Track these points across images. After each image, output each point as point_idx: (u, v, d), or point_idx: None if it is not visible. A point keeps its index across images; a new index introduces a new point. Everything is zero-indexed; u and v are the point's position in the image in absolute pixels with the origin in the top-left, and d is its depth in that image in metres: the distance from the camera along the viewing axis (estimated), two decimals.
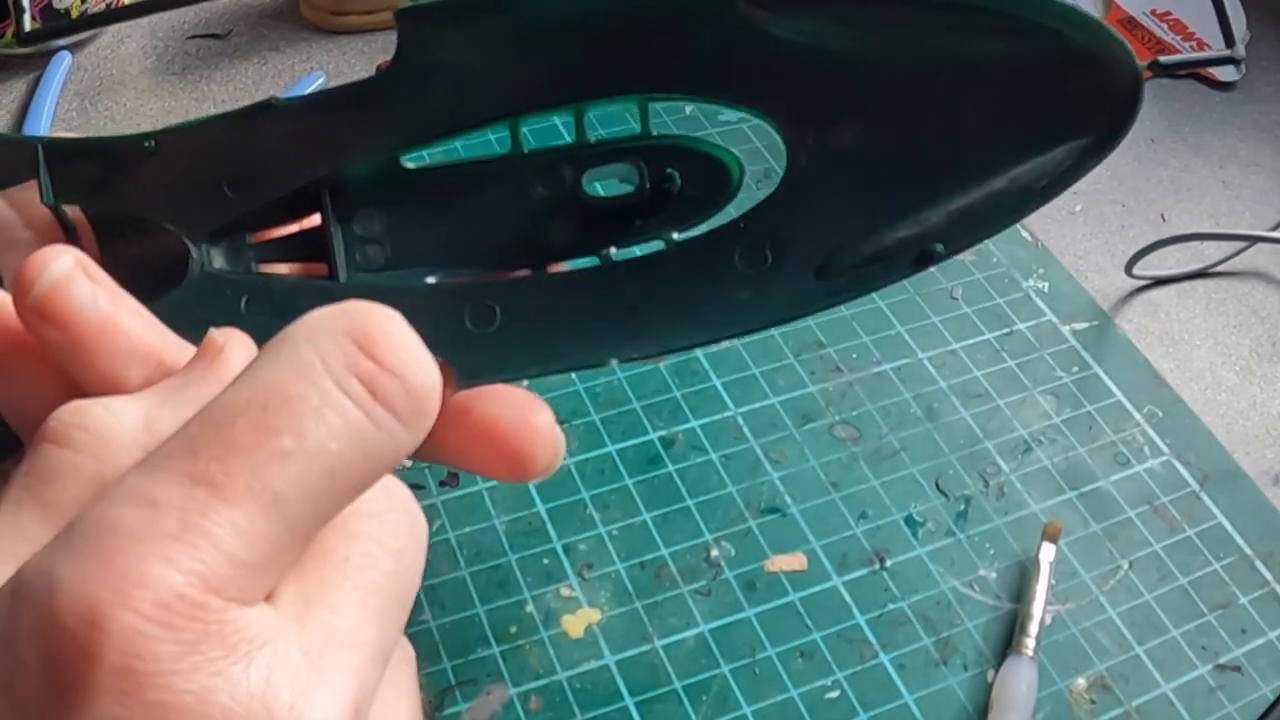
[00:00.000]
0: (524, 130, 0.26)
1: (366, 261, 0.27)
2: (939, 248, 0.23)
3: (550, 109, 0.26)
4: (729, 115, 0.62)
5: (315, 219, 0.26)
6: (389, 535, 0.20)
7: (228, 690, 0.17)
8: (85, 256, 0.21)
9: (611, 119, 0.24)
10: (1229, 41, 0.36)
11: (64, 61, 0.62)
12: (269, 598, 0.19)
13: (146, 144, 0.25)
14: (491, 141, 0.26)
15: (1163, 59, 0.29)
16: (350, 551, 0.19)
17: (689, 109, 0.62)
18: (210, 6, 0.68)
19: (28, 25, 0.59)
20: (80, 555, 0.17)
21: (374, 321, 0.19)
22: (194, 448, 0.18)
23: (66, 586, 0.17)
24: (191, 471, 0.18)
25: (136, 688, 0.16)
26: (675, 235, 0.26)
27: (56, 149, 0.25)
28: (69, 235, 0.25)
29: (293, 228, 0.26)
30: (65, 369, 0.22)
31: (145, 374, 0.21)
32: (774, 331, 0.51)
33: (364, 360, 0.18)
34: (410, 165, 0.26)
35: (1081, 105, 0.24)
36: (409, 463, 0.45)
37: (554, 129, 0.29)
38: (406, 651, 0.22)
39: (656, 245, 0.26)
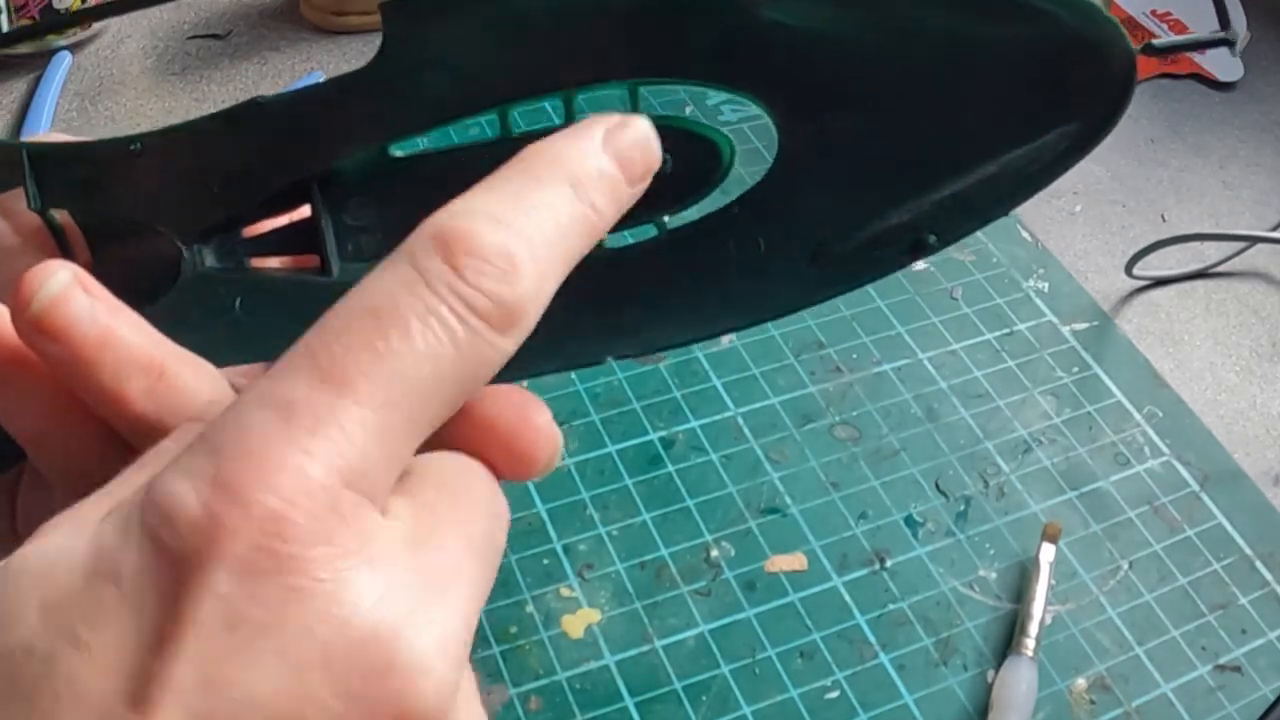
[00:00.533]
0: (514, 114, 0.26)
1: (360, 251, 0.26)
2: (931, 238, 0.23)
3: (539, 96, 0.26)
4: (728, 115, 0.62)
5: (306, 210, 0.26)
6: (481, 497, 0.21)
7: (357, 588, 0.17)
8: (82, 271, 0.21)
9: (601, 104, 0.24)
10: (1223, 24, 0.35)
11: (64, 61, 0.62)
12: (384, 512, 0.19)
13: (132, 146, 0.25)
14: (482, 125, 0.26)
15: (1156, 42, 0.29)
16: (454, 501, 0.20)
17: (688, 108, 0.62)
18: (210, 6, 0.68)
19: (5, 26, 0.59)
20: (216, 452, 0.17)
21: (454, 231, 0.20)
22: (314, 352, 0.18)
23: (202, 473, 0.17)
24: (317, 372, 0.18)
25: (274, 569, 0.17)
26: (666, 219, 0.26)
27: (42, 153, 0.25)
28: (59, 240, 0.25)
29: (282, 220, 0.26)
30: (66, 382, 0.22)
31: (147, 384, 0.22)
32: (774, 331, 0.51)
33: (454, 277, 0.19)
34: (399, 154, 0.26)
35: (1076, 89, 0.23)
36: None
37: (544, 112, 0.28)
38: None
39: (648, 231, 0.26)
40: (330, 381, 0.18)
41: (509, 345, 0.20)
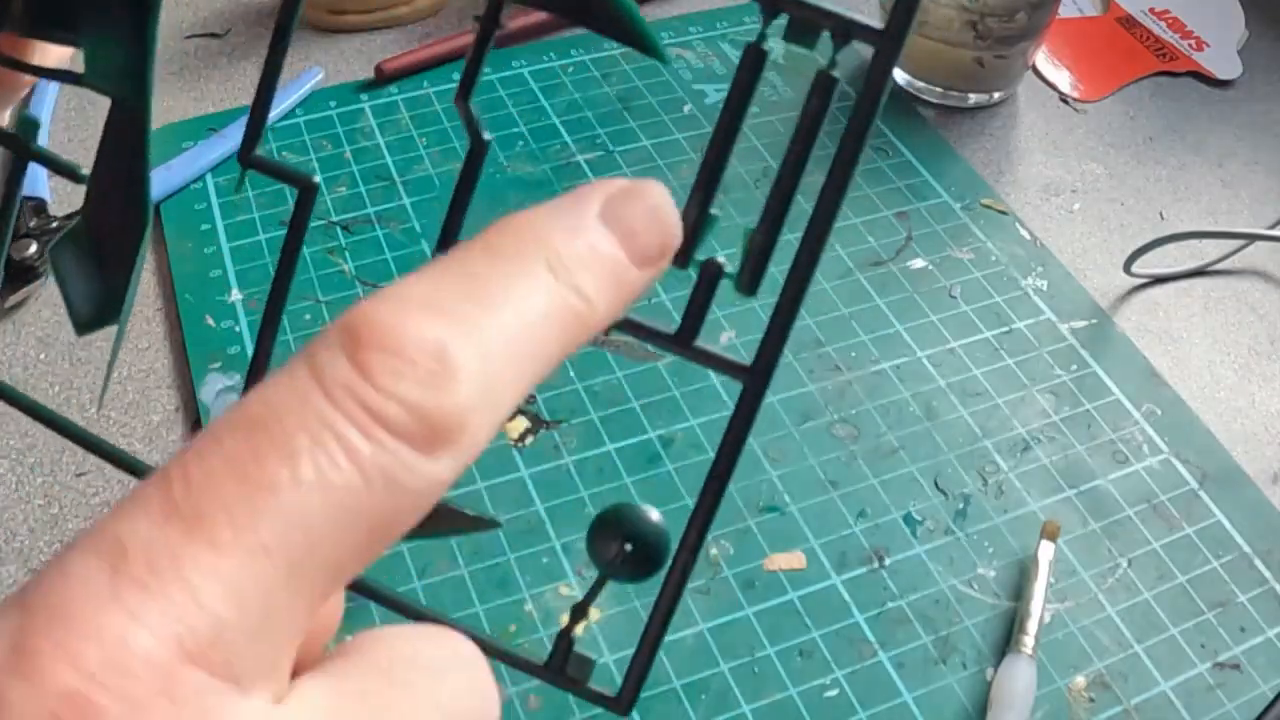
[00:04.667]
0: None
1: None
2: None
3: None
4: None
5: None
6: (447, 694, 0.16)
7: None
8: None
9: None
10: None
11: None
12: (277, 699, 0.15)
13: None
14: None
15: None
16: (408, 689, 0.15)
17: (686, 107, 0.62)
18: (208, 5, 0.68)
19: None
20: (24, 608, 0.13)
21: (366, 321, 0.15)
22: (169, 477, 0.14)
23: (3, 632, 0.13)
24: (165, 504, 0.14)
25: None
26: None
27: None
28: None
29: None
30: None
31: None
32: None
33: (356, 378, 0.15)
34: None
35: None
36: None
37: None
38: None
39: None
40: (179, 518, 0.14)
41: (440, 471, 0.15)
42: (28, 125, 0.24)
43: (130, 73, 0.22)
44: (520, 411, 0.48)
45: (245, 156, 0.21)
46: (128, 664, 0.13)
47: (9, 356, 0.49)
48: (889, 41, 0.18)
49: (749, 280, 0.20)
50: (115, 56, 0.22)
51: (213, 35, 0.66)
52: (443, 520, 0.23)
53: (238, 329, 0.50)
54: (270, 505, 0.14)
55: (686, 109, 0.62)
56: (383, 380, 0.15)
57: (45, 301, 0.52)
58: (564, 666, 0.23)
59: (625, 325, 0.20)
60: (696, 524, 0.21)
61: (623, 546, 0.21)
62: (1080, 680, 0.41)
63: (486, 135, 0.20)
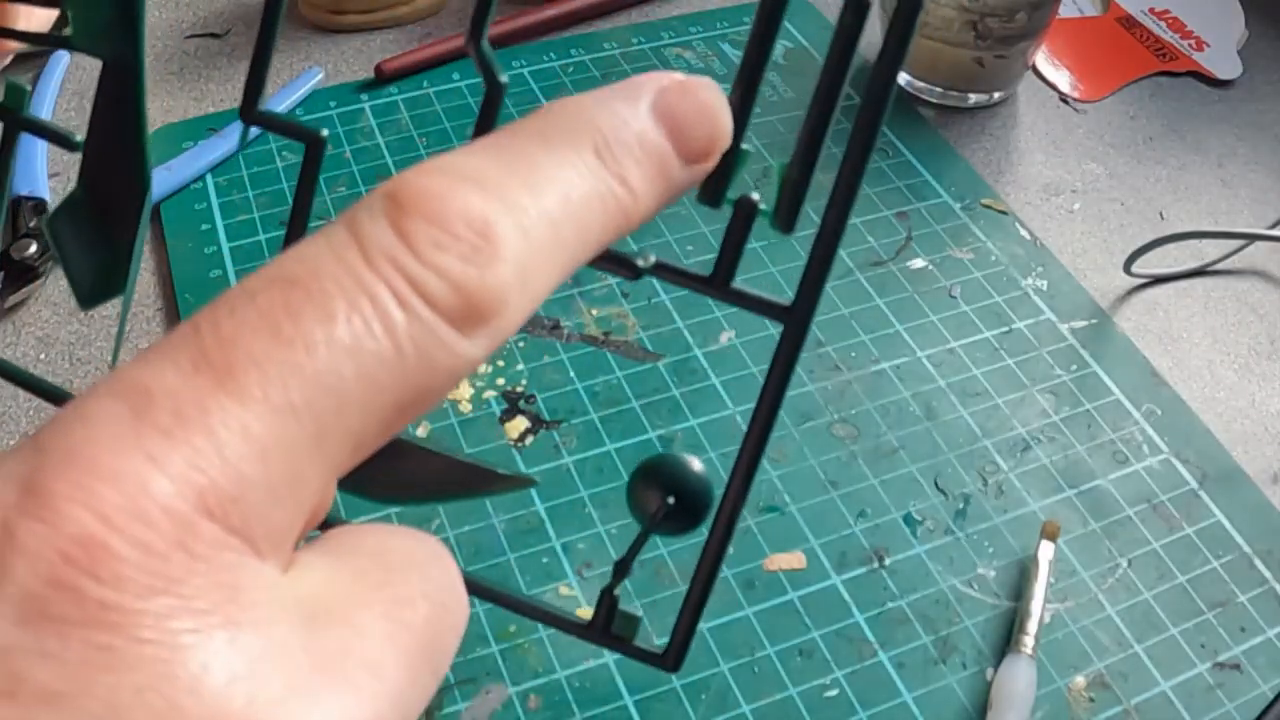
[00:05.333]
0: None
1: None
2: None
3: None
4: None
5: None
6: (431, 585, 0.15)
7: (202, 659, 0.12)
8: None
9: None
10: None
11: (63, 60, 0.62)
12: (284, 566, 0.14)
13: None
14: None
15: None
16: (392, 576, 0.15)
17: None
18: (208, 5, 0.68)
19: None
20: (38, 448, 0.13)
21: (412, 189, 0.14)
22: (199, 327, 0.13)
23: (14, 474, 0.12)
24: (194, 353, 0.13)
25: (77, 616, 0.12)
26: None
27: None
28: None
29: None
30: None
31: None
32: (772, 331, 0.51)
33: (397, 244, 0.14)
34: None
35: None
36: None
37: None
38: None
39: None
40: (209, 368, 0.13)
41: (473, 351, 0.15)
42: (17, 92, 0.24)
43: (119, 28, 0.22)
44: (520, 411, 0.48)
45: (248, 113, 0.21)
46: (146, 510, 0.12)
47: (9, 356, 0.49)
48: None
49: (785, 216, 0.19)
50: (102, 11, 0.22)
51: (213, 35, 0.66)
52: (480, 480, 0.23)
53: None
54: (303, 365, 0.13)
55: None
56: (424, 250, 0.14)
57: (45, 301, 0.52)
58: (608, 626, 0.22)
59: (659, 269, 0.20)
60: (740, 474, 0.20)
61: (665, 500, 0.21)
62: (1080, 680, 0.41)
63: (503, 78, 0.19)
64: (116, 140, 0.23)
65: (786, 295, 0.20)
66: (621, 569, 0.22)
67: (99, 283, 0.25)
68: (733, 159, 0.19)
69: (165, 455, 0.12)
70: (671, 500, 0.21)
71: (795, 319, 0.20)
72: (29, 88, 0.24)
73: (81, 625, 0.12)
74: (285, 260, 0.14)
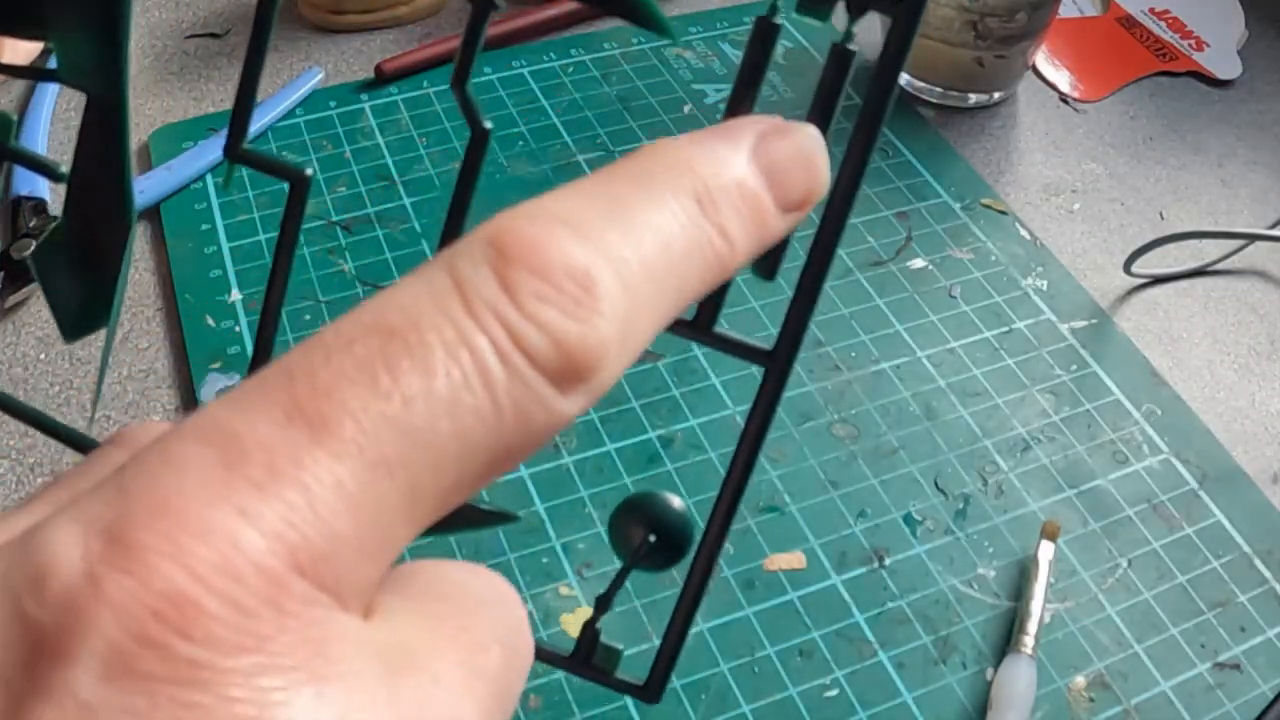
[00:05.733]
0: None
1: None
2: None
3: None
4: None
5: None
6: (502, 628, 0.15)
7: (289, 717, 0.12)
8: None
9: None
10: None
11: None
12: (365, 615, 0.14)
13: None
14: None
15: None
16: (466, 621, 0.15)
17: (686, 107, 0.62)
18: (208, 6, 0.68)
19: None
20: (125, 493, 0.12)
21: (516, 236, 0.14)
22: (292, 373, 0.13)
23: (98, 520, 0.12)
24: (287, 402, 0.13)
25: (164, 674, 0.11)
26: None
27: None
28: None
29: None
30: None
31: None
32: (773, 330, 0.51)
33: (500, 295, 0.14)
34: None
35: None
36: None
37: None
38: None
39: None
40: (303, 420, 0.13)
41: (569, 409, 0.14)
42: (3, 123, 0.24)
43: (104, 68, 0.22)
44: None
45: (233, 151, 0.21)
46: (238, 567, 0.12)
47: (9, 356, 0.49)
48: (906, 11, 0.17)
49: (769, 265, 0.19)
50: (87, 52, 0.22)
51: (213, 35, 0.66)
52: (461, 516, 0.22)
53: (238, 329, 0.50)
54: (400, 419, 0.13)
55: (686, 109, 0.62)
56: (528, 303, 0.14)
57: (45, 301, 0.52)
58: (590, 657, 0.22)
59: None
60: (722, 509, 0.20)
61: (647, 536, 0.21)
62: (1080, 680, 0.41)
63: (487, 124, 0.19)
64: (101, 173, 0.23)
65: (775, 312, 0.20)
66: (602, 604, 0.22)
67: (83, 315, 0.25)
68: None
69: (257, 510, 0.12)
70: (653, 538, 0.21)
71: (776, 364, 0.20)
72: (14, 118, 0.24)
73: (170, 683, 0.11)
74: (384, 305, 0.14)
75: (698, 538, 0.21)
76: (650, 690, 0.22)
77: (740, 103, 0.19)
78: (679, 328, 0.20)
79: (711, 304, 0.20)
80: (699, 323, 0.20)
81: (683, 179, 0.16)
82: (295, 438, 0.13)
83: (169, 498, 0.12)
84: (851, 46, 0.18)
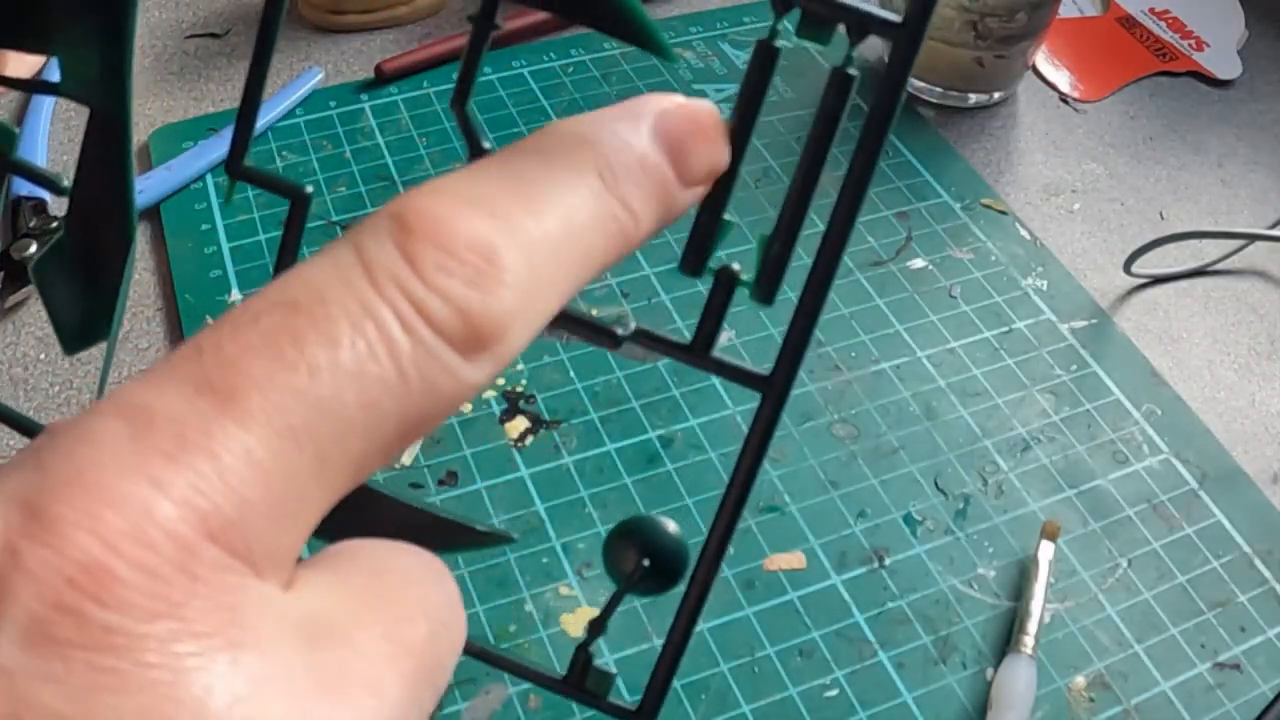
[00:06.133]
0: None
1: None
2: None
3: None
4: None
5: None
6: (431, 604, 0.15)
7: (205, 682, 0.12)
8: None
9: None
10: None
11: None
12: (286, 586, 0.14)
13: None
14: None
15: None
16: (393, 595, 0.15)
17: None
18: (208, 5, 0.68)
19: None
20: (41, 468, 0.13)
21: (418, 211, 0.14)
22: (201, 349, 0.14)
23: (17, 495, 0.12)
24: (196, 375, 0.13)
25: (81, 640, 0.12)
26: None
27: None
28: None
29: None
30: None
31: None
32: (772, 330, 0.51)
33: (404, 268, 0.14)
34: None
35: None
36: (406, 459, 0.45)
37: None
38: None
39: None
40: (211, 391, 0.13)
41: (476, 375, 0.15)
42: (4, 134, 0.24)
43: (107, 83, 0.22)
44: (520, 411, 0.48)
45: (234, 167, 0.21)
46: (149, 535, 0.12)
47: (9, 356, 0.49)
48: (907, 35, 0.17)
49: (766, 290, 0.20)
50: (90, 67, 0.22)
51: (213, 35, 0.66)
52: (457, 535, 0.22)
53: None
54: (306, 389, 0.13)
55: None
56: (431, 275, 0.14)
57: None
58: (583, 681, 0.22)
59: (639, 336, 0.20)
60: (716, 537, 0.20)
61: (641, 561, 0.21)
62: (1080, 680, 0.41)
63: (486, 143, 0.19)
64: (103, 186, 0.23)
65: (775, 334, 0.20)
66: (596, 627, 0.22)
67: (84, 327, 0.25)
68: (716, 230, 0.19)
69: (168, 479, 0.13)
70: (647, 562, 0.21)
71: (774, 389, 0.20)
72: (17, 130, 0.24)
73: (85, 649, 0.12)
74: (289, 282, 0.14)
75: (693, 563, 0.21)
76: (644, 716, 0.22)
77: (742, 127, 0.19)
78: (676, 352, 0.20)
79: (708, 329, 0.20)
80: (695, 347, 0.20)
81: (585, 154, 0.16)
82: (204, 409, 0.13)
83: (83, 470, 0.12)
84: (851, 71, 0.18)
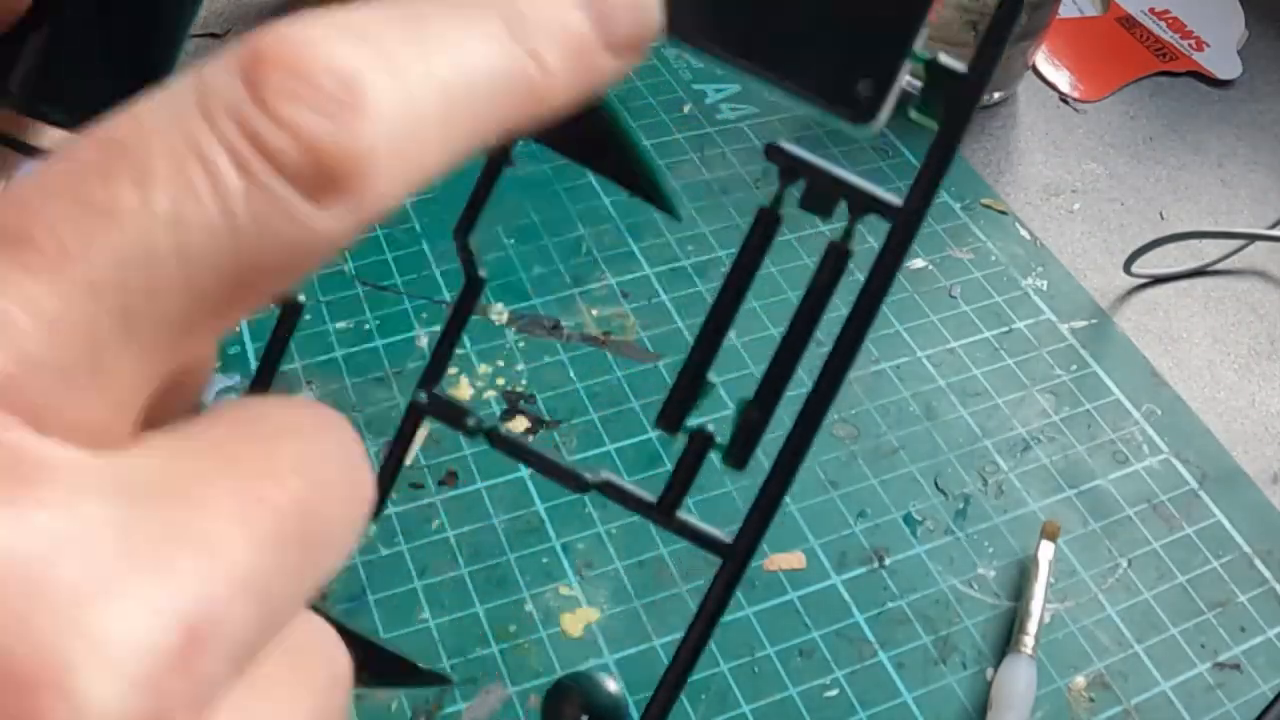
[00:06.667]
0: None
1: None
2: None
3: None
4: (726, 114, 0.61)
5: None
6: (312, 457, 0.13)
7: None
8: None
9: None
10: None
11: None
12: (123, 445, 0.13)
13: None
14: None
15: None
16: (247, 451, 0.13)
17: (685, 106, 0.62)
18: (208, 5, 0.68)
19: None
20: None
21: (276, 36, 0.12)
22: (6, 196, 0.12)
23: None
24: None
25: None
26: None
27: None
28: None
29: None
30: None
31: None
32: (772, 330, 0.51)
33: (244, 99, 0.12)
34: None
35: None
36: (407, 459, 0.45)
37: None
38: (335, 667, 0.14)
39: None
40: (4, 239, 0.12)
41: (328, 223, 0.13)
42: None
43: None
44: (520, 411, 0.48)
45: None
46: None
47: None
48: (907, 219, 0.17)
49: (738, 456, 0.19)
50: None
51: (213, 35, 0.66)
52: (396, 671, 0.21)
53: (238, 329, 0.50)
54: (106, 235, 0.12)
55: (686, 109, 0.62)
56: (275, 103, 0.12)
57: None
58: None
59: (606, 488, 0.19)
60: (673, 674, 0.19)
61: (579, 717, 0.20)
62: (1080, 680, 0.41)
63: (482, 272, 0.19)
64: None
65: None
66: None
67: None
68: (696, 389, 0.19)
69: None
70: (585, 718, 0.21)
71: (736, 556, 0.19)
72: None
73: None
74: (119, 118, 0.12)
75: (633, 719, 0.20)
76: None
77: (736, 293, 0.19)
78: (641, 509, 0.19)
79: (677, 489, 0.19)
80: (662, 506, 0.19)
81: (492, 3, 0.14)
82: None
83: None
84: (849, 248, 0.18)
